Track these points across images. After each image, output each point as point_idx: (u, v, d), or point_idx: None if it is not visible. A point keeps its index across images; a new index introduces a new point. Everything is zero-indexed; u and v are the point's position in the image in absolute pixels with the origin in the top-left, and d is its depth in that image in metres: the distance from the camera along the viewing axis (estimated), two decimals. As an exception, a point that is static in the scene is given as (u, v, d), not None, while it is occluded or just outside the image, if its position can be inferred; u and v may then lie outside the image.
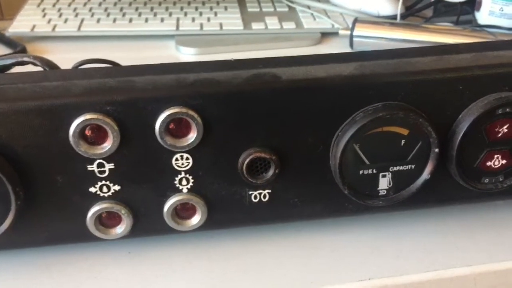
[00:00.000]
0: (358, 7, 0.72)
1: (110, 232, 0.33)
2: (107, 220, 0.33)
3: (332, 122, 0.33)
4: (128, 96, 0.30)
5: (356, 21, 0.64)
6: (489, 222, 0.38)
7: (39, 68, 0.32)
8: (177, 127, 0.31)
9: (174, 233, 0.34)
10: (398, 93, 0.32)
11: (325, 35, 0.68)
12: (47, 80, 0.30)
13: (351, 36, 0.63)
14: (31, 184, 0.31)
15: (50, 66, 0.32)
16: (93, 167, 0.31)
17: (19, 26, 0.66)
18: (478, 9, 0.67)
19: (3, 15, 0.75)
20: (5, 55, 0.60)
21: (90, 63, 0.34)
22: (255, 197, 0.34)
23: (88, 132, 0.30)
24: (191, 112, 0.30)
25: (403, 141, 0.33)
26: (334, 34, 0.68)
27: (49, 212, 0.32)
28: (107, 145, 0.31)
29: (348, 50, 0.65)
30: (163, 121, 0.30)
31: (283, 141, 0.33)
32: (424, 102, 0.33)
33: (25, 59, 0.32)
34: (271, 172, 0.33)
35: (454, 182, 0.35)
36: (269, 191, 0.34)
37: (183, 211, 0.34)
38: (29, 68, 0.33)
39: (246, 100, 0.31)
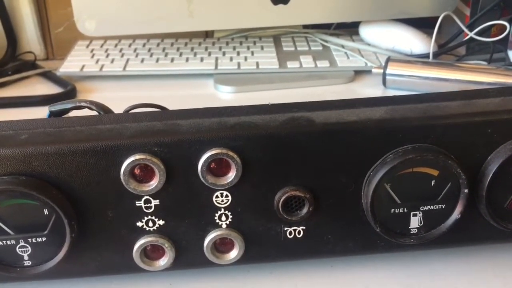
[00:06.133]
0: (391, 46, 0.74)
1: (154, 264, 0.36)
2: (152, 252, 0.35)
3: (364, 163, 0.34)
4: (174, 138, 0.33)
5: (389, 59, 0.66)
6: (521, 262, 0.38)
7: (94, 112, 0.35)
8: (218, 167, 0.34)
9: (213, 266, 0.36)
10: (428, 136, 0.34)
11: (359, 73, 0.70)
12: (102, 124, 0.34)
13: (384, 75, 0.65)
14: (84, 218, 0.34)
15: (104, 110, 0.35)
16: (141, 203, 0.34)
17: (69, 66, 0.71)
18: (511, 48, 0.67)
19: (54, 55, 0.81)
20: (57, 94, 0.64)
21: (140, 107, 0.37)
22: (290, 233, 0.36)
23: (137, 171, 0.33)
24: (231, 153, 0.33)
25: (433, 182, 0.35)
26: (368, 72, 0.70)
27: (99, 244, 0.35)
28: (154, 183, 0.33)
29: (381, 88, 0.66)
30: (205, 161, 0.33)
31: (316, 180, 0.35)
32: (453, 145, 0.34)
33: (83, 104, 0.35)
34: (305, 210, 0.35)
35: (485, 222, 0.36)
36: (304, 227, 0.36)
37: (222, 245, 0.36)
38: (85, 112, 0.36)
39: (282, 142, 0.33)
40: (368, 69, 0.69)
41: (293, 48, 0.76)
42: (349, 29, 0.81)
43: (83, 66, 0.70)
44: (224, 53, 0.74)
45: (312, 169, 0.34)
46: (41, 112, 0.39)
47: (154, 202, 0.34)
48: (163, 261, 0.36)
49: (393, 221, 0.35)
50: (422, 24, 0.74)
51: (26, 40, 0.78)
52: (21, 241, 0.33)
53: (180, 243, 0.35)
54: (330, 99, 0.36)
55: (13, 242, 0.33)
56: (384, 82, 0.65)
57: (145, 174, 0.33)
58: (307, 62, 0.71)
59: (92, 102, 0.35)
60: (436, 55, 0.71)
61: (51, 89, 0.68)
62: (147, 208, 0.34)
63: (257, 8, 0.71)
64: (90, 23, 0.69)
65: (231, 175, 0.33)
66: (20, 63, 0.75)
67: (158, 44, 0.77)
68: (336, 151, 0.34)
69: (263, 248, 0.36)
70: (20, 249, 0.34)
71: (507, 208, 0.36)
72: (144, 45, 0.77)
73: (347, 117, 0.34)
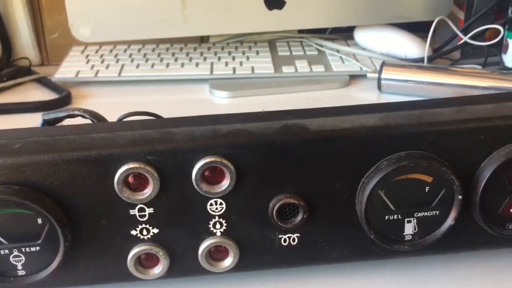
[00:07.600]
0: (386, 50, 0.74)
1: (148, 272, 0.35)
2: (146, 261, 0.35)
3: (358, 170, 0.34)
4: (168, 147, 0.33)
5: (384, 64, 0.66)
6: (516, 267, 0.38)
7: (88, 121, 0.35)
8: (212, 175, 0.33)
9: (208, 274, 0.36)
10: (421, 143, 0.34)
11: (354, 77, 0.70)
12: (95, 132, 0.33)
13: (379, 79, 0.65)
14: (78, 227, 0.34)
15: (97, 118, 0.35)
16: (135, 212, 0.34)
17: (64, 72, 0.70)
18: (505, 52, 0.68)
19: (49, 61, 0.81)
20: (51, 100, 0.64)
21: (134, 115, 0.37)
22: (285, 240, 0.36)
23: (131, 180, 0.33)
24: (225, 161, 0.33)
25: (427, 188, 0.35)
26: (363, 76, 0.70)
27: (93, 253, 0.35)
28: (148, 191, 0.33)
29: (376, 92, 0.66)
30: (199, 169, 0.33)
31: (311, 187, 0.35)
32: (447, 151, 0.34)
33: (76, 112, 0.35)
34: (300, 217, 0.35)
35: (479, 228, 0.36)
36: (298, 235, 0.36)
37: (217, 253, 0.36)
38: (79, 120, 0.36)
39: (276, 149, 0.33)
40: (363, 74, 0.69)
41: (288, 53, 0.76)
42: (344, 33, 0.81)
43: (78, 72, 0.70)
44: (219, 58, 0.74)
45: (306, 177, 0.34)
46: (36, 118, 0.39)
47: (148, 211, 0.34)
48: (158, 270, 0.35)
49: (387, 228, 0.36)
50: (417, 29, 0.74)
51: (21, 45, 0.78)
52: (15, 251, 0.33)
53: (175, 251, 0.35)
54: (325, 104, 0.36)
55: (6, 251, 0.33)
56: (379, 87, 0.66)
57: (139, 182, 0.33)
58: (302, 66, 0.71)
59: (85, 111, 0.35)
60: (430, 59, 0.71)
61: (46, 95, 0.68)
62: (141, 216, 0.34)
63: (252, 13, 0.71)
64: (85, 29, 0.69)
65: (225, 183, 0.33)
66: (15, 69, 0.75)
67: (153, 50, 0.77)
68: (330, 158, 0.34)
69: (258, 256, 0.36)
70: (13, 259, 0.34)
71: (501, 214, 0.36)
72: (139, 50, 0.77)
73: (341, 124, 0.34)
